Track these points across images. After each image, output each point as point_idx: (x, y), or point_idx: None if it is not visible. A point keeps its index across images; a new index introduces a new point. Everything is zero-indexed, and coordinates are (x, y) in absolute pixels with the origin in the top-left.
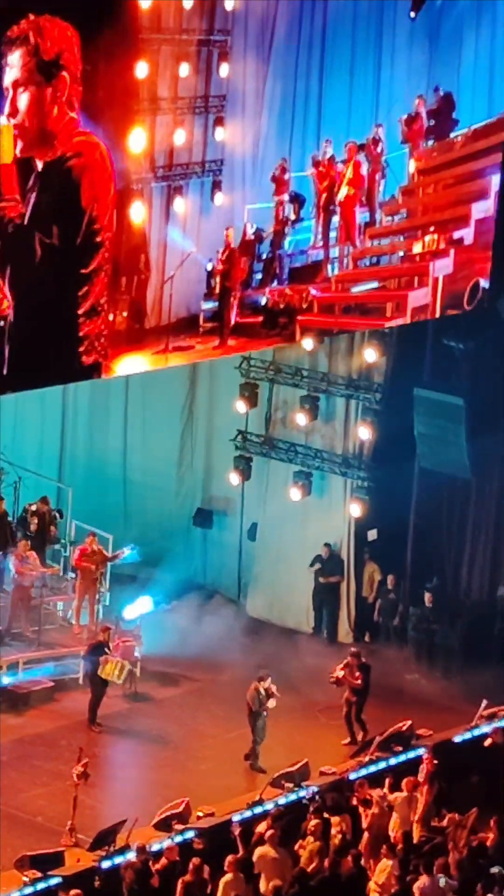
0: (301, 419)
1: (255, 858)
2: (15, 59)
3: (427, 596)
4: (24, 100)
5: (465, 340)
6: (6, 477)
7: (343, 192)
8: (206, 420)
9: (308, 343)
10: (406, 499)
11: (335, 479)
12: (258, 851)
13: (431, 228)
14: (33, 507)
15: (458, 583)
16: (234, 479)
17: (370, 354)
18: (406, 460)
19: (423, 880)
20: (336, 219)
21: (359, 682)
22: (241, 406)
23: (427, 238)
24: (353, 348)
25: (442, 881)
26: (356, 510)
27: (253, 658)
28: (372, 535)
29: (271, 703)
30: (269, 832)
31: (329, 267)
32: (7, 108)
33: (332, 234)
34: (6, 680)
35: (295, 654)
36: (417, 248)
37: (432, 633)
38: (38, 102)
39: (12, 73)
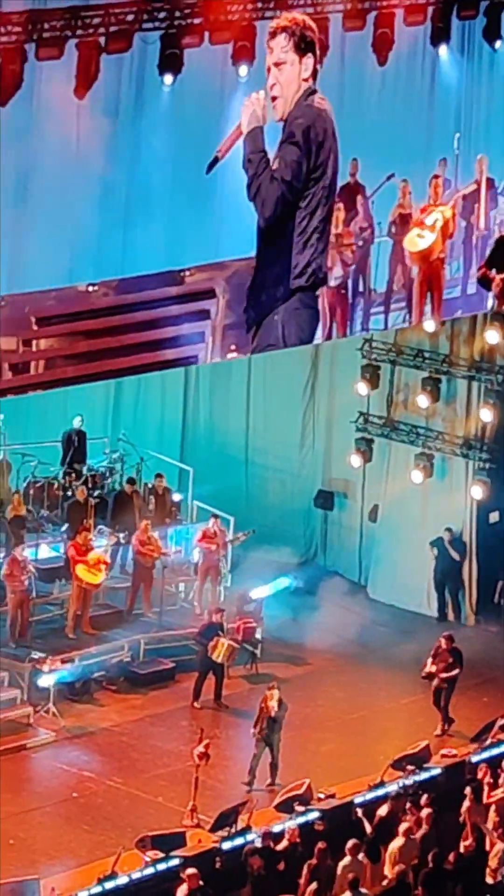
0: (423, 401)
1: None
2: None
3: None
4: None
5: None
6: (128, 458)
7: None
8: (327, 402)
9: (430, 325)
10: None
11: (457, 461)
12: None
13: None
14: (150, 485)
15: None
16: (356, 460)
17: (492, 336)
18: None
19: None
20: None
21: (455, 671)
22: (362, 388)
23: None
24: (475, 330)
25: None
26: (478, 492)
27: (374, 640)
28: (494, 517)
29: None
30: (405, 825)
31: None
32: None
33: None
34: (127, 661)
35: (416, 637)
36: None
37: None
38: None
39: None
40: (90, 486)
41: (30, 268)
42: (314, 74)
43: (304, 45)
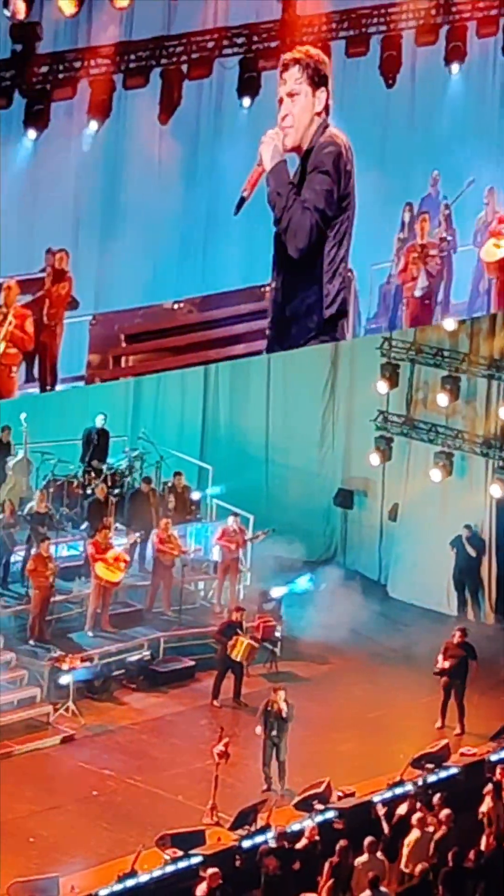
0: (442, 399)
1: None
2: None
3: None
4: None
5: None
6: (148, 457)
7: None
8: (346, 400)
9: (449, 323)
10: None
11: (476, 459)
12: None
13: None
14: (169, 483)
15: None
16: (375, 459)
17: None
18: None
19: None
20: None
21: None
22: (382, 386)
23: None
24: (494, 329)
25: None
26: (497, 490)
27: (394, 639)
28: None
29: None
30: (417, 815)
31: None
32: None
33: None
34: (146, 659)
35: (436, 636)
36: None
37: None
38: None
39: None
40: (110, 484)
41: (118, 286)
42: (326, 109)
43: (317, 79)
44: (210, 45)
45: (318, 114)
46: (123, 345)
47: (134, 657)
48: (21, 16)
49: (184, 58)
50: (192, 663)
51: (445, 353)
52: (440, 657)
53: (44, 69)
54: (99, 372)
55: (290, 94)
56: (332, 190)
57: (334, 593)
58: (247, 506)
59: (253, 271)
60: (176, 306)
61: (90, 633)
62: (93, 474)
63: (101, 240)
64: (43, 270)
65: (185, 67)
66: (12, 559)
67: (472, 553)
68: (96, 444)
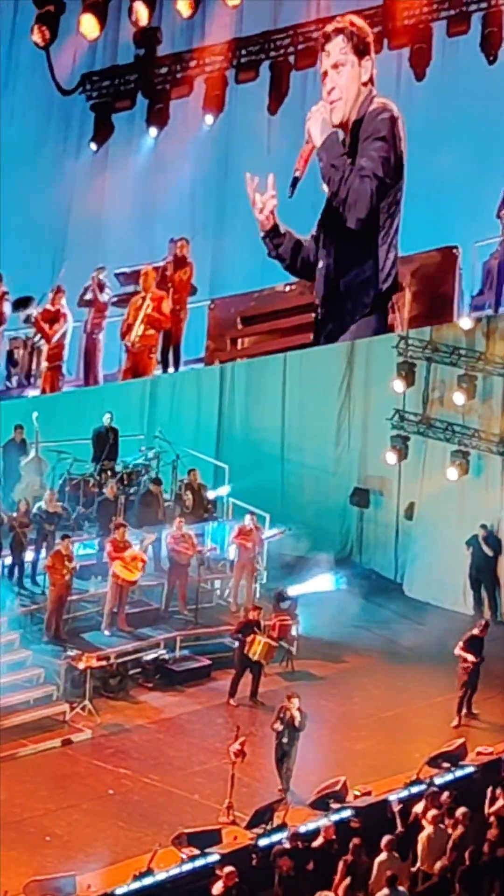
0: (458, 398)
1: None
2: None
3: None
4: None
5: None
6: (164, 455)
7: None
8: (362, 399)
9: (465, 322)
10: None
11: (492, 458)
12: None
13: None
14: (185, 480)
15: None
16: (391, 458)
17: None
18: None
19: None
20: None
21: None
22: (398, 385)
23: None
24: None
25: None
26: None
27: (409, 638)
28: None
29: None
30: (432, 812)
31: None
32: None
33: None
34: (163, 658)
35: (452, 635)
36: None
37: None
38: None
39: None
40: (125, 483)
41: (231, 271)
42: (372, 80)
43: (362, 48)
44: (315, 35)
45: (365, 84)
46: (240, 327)
47: (150, 656)
48: (143, 22)
49: (290, 49)
50: (209, 662)
51: (462, 352)
52: (464, 653)
53: (163, 70)
54: (217, 354)
55: (336, 66)
56: (389, 157)
57: (350, 592)
58: (263, 504)
59: None
60: (287, 288)
61: (107, 632)
62: (109, 473)
63: (215, 227)
64: (166, 258)
65: (292, 59)
66: (26, 558)
67: (489, 552)
68: (111, 442)
